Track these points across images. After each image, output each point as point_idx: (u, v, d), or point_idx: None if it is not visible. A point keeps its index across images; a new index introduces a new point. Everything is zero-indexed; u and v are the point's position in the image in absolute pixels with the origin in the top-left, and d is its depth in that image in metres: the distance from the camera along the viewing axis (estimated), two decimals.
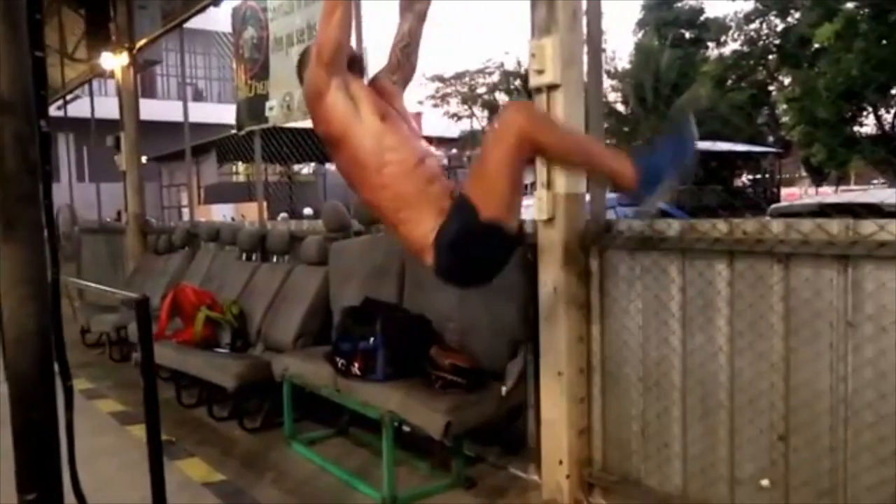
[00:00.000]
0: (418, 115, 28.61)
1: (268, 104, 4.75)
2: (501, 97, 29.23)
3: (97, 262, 8.66)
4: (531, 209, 2.81)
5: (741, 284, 2.33)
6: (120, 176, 7.29)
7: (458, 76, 33.12)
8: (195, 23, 6.67)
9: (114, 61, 7.04)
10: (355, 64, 2.32)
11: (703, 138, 24.06)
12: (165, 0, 6.75)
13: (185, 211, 26.63)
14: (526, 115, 2.02)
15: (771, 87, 22.26)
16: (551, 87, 2.71)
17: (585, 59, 2.77)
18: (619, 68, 29.73)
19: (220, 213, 21.63)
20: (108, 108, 9.12)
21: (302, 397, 3.71)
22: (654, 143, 2.15)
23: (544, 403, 2.90)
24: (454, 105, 34.75)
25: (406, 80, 2.50)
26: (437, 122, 31.06)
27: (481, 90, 31.53)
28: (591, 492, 2.85)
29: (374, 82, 2.40)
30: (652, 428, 2.66)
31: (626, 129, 27.49)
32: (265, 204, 5.78)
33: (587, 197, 2.82)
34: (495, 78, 30.35)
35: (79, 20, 8.57)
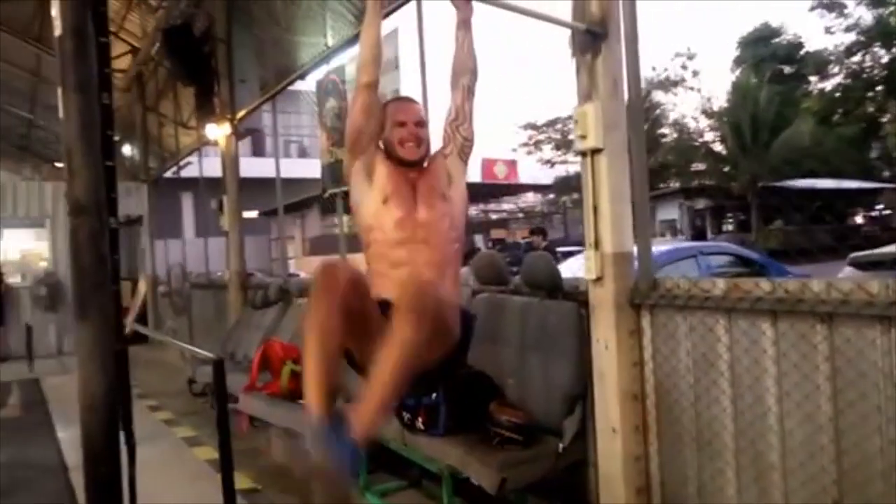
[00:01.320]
0: (513, 162, 29.01)
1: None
2: None
3: (205, 316, 9.28)
4: (580, 269, 2.90)
5: (785, 344, 2.32)
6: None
7: (551, 123, 33.39)
8: (298, 85, 7.19)
9: (218, 131, 7.70)
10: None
11: (803, 176, 23.04)
12: (262, 73, 7.39)
13: (292, 262, 27.96)
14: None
15: (883, 120, 21.06)
16: (595, 152, 2.82)
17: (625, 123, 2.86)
18: (717, 108, 29.05)
19: None
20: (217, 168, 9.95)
21: (378, 449, 3.87)
22: None
23: (601, 460, 2.93)
24: (547, 151, 34.96)
25: (462, 153, 2.59)
26: (532, 169, 31.30)
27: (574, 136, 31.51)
28: None
29: (431, 159, 2.56)
30: (708, 489, 2.63)
31: (724, 168, 26.67)
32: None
33: (635, 255, 2.88)
34: None
35: (190, 94, 9.45)
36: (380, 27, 2.46)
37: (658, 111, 30.96)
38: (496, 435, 3.03)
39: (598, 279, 2.85)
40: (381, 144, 2.49)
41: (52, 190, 11.93)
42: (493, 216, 31.23)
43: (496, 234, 32.07)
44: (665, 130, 31.58)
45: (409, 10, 4.29)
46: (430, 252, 2.38)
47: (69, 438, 5.39)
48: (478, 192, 23.99)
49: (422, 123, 2.53)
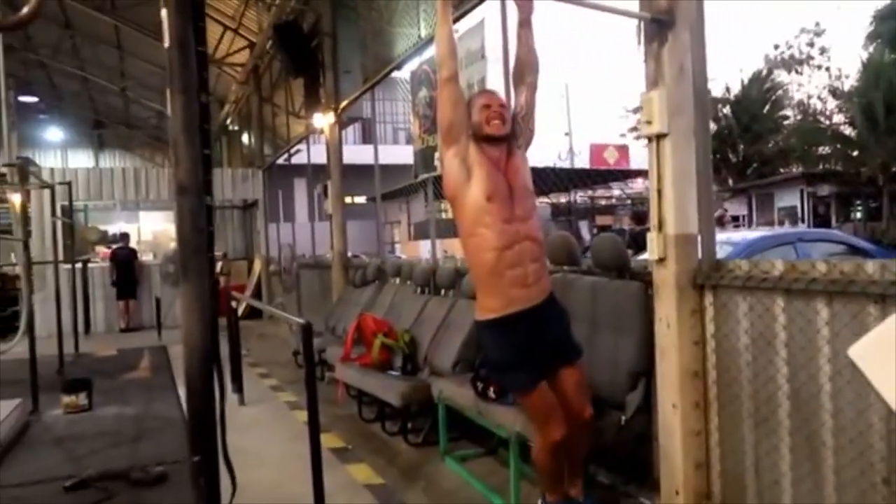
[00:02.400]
0: (624, 147, 28.33)
1: (436, 155, 5.35)
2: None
3: (312, 293, 9.91)
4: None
5: (839, 324, 2.35)
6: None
7: None
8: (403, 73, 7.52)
9: (323, 120, 8.19)
10: (490, 139, 2.72)
11: None
12: (364, 64, 7.78)
13: (398, 247, 28.68)
14: None
15: None
16: (660, 137, 2.91)
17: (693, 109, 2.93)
18: (847, 87, 27.11)
19: (427, 248, 23.18)
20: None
21: (460, 418, 4.13)
22: None
23: (661, 435, 3.04)
24: None
25: (528, 144, 2.87)
26: (643, 153, 30.43)
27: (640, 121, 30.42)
28: None
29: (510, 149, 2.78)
30: (763, 464, 2.70)
31: (852, 153, 24.91)
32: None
33: (699, 237, 2.95)
34: None
35: (300, 85, 10.05)
36: (451, 25, 2.68)
37: (780, 91, 29.25)
38: None
39: (662, 260, 2.94)
40: (470, 133, 2.72)
41: None
42: (603, 202, 30.70)
43: (602, 220, 31.55)
44: (787, 112, 29.82)
45: (494, 2, 4.47)
46: (531, 247, 2.71)
47: None
48: (583, 178, 23.75)
49: (504, 105, 2.78)
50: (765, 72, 27.81)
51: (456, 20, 4.89)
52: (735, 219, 25.07)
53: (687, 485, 2.93)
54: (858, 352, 1.16)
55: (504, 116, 2.74)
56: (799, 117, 28.94)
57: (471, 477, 3.82)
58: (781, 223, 25.21)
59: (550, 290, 2.84)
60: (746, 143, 26.44)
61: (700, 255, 2.94)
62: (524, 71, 2.75)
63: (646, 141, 3.03)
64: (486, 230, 2.53)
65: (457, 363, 4.48)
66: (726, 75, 30.82)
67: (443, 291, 5.35)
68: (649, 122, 2.93)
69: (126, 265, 11.92)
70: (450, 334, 4.75)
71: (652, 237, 2.96)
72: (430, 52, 5.72)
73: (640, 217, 9.86)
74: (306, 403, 2.90)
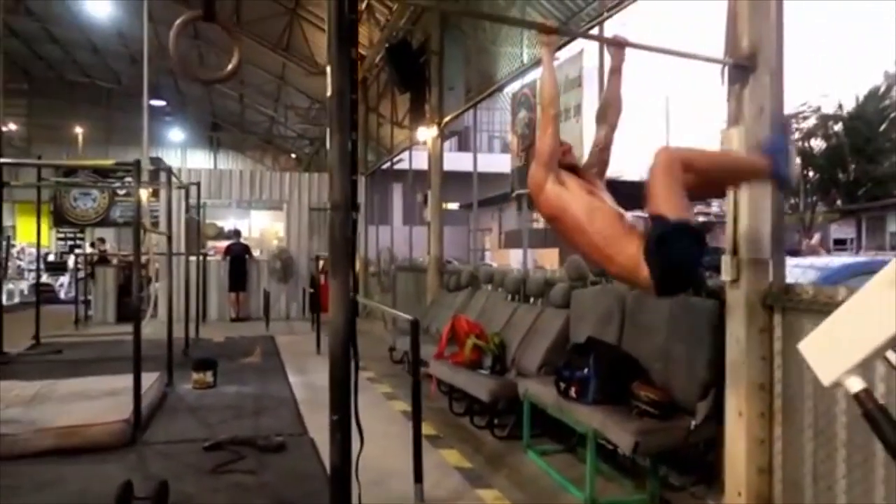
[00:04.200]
0: None
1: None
2: (818, 143, 26.58)
3: (407, 294, 10.52)
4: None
5: None
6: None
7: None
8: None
9: (426, 133, 8.76)
10: (572, 168, 3.13)
11: None
12: (467, 81, 8.29)
13: (488, 254, 28.93)
14: (666, 149, 2.74)
15: None
16: None
17: None
18: None
19: (517, 257, 23.48)
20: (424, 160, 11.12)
21: (544, 417, 4.52)
22: (766, 139, 3.05)
23: (728, 441, 3.34)
24: None
25: (601, 173, 3.18)
26: None
27: (795, 136, 29.34)
28: None
29: (579, 175, 3.18)
30: (819, 471, 2.97)
31: None
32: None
33: (770, 262, 3.24)
34: (811, 122, 27.83)
35: (405, 97, 10.69)
36: (554, 72, 3.08)
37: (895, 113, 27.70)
38: (635, 407, 3.56)
39: (735, 281, 3.25)
40: None
41: (289, 179, 13.86)
42: (700, 217, 30.09)
43: None
44: None
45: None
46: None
47: (297, 382, 6.72)
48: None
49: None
50: (883, 88, 26.33)
51: (558, 49, 5.29)
52: (841, 242, 24.01)
53: (749, 488, 3.22)
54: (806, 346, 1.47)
55: (574, 154, 3.18)
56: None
57: (550, 468, 4.21)
58: (894, 248, 23.93)
59: None
60: (859, 163, 25.19)
61: (771, 279, 3.23)
62: (609, 112, 3.12)
63: None
64: (600, 211, 2.89)
65: (542, 366, 4.87)
66: (842, 93, 29.36)
67: (532, 300, 5.76)
68: None
69: (239, 260, 12.93)
70: (537, 339, 5.15)
71: (726, 260, 3.27)
72: (532, 76, 6.14)
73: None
74: (411, 386, 3.38)
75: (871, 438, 2.69)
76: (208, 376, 6.25)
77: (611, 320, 4.39)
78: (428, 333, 7.37)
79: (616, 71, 3.06)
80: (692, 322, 3.66)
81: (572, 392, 3.89)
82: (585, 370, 3.85)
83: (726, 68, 3.30)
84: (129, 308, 6.29)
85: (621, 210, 3.02)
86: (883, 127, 25.94)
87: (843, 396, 2.84)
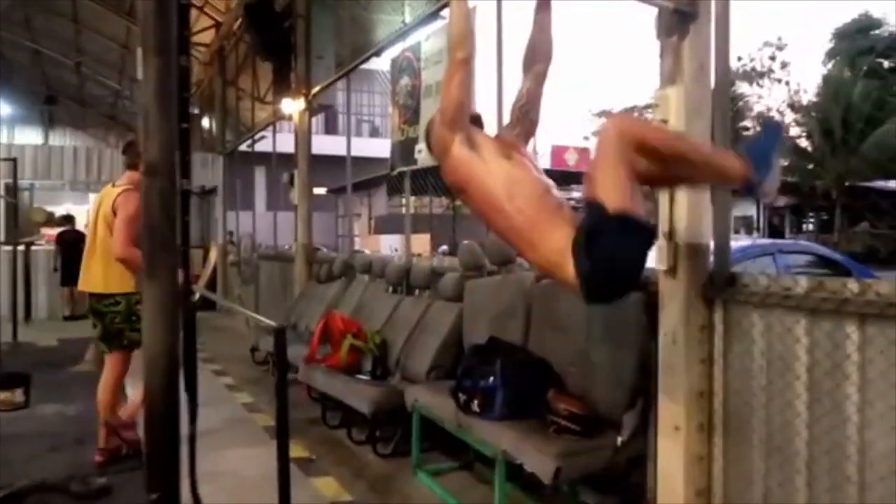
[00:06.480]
0: (585, 150, 28.45)
1: (417, 147, 5.07)
2: None
3: (271, 286, 9.51)
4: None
5: (872, 350, 2.16)
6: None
7: (627, 111, 32.56)
8: (372, 64, 7.22)
9: (292, 106, 7.81)
10: (477, 121, 2.50)
11: None
12: (338, 50, 7.44)
13: (357, 240, 28.20)
14: (620, 118, 2.11)
15: None
16: None
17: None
18: (805, 102, 27.71)
19: (388, 243, 22.83)
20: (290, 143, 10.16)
21: (433, 428, 3.86)
22: (750, 137, 2.28)
23: (661, 458, 2.83)
24: None
25: (527, 135, 2.64)
26: None
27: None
28: None
29: (497, 136, 2.56)
30: (775, 495, 2.50)
31: (809, 166, 25.49)
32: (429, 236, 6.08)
33: (711, 247, 2.75)
34: None
35: (268, 69, 9.63)
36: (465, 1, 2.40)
37: (741, 103, 29.77)
38: (553, 423, 2.98)
39: (670, 270, 2.73)
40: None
41: None
42: None
43: None
44: (747, 123, 30.36)
45: None
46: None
47: (139, 394, 5.63)
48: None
49: None
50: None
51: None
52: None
53: None
54: None
55: None
56: (758, 129, 29.47)
57: (446, 494, 3.56)
58: (737, 231, 25.64)
59: None
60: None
61: (713, 267, 2.73)
62: (537, 59, 2.51)
63: None
64: (521, 185, 2.27)
65: (432, 369, 4.22)
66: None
67: (417, 291, 5.08)
68: (664, 122, 2.70)
69: (73, 250, 11.27)
70: (425, 338, 4.48)
71: (661, 245, 2.74)
72: (414, 38, 5.43)
73: None
74: (276, 418, 2.58)
75: (846, 459, 2.24)
76: (17, 395, 5.03)
77: (514, 316, 3.79)
78: (296, 331, 6.50)
79: (546, 4, 2.42)
80: (616, 318, 3.11)
81: (475, 405, 3.25)
82: (490, 379, 3.22)
83: (662, 16, 2.75)
84: None
85: (549, 182, 2.41)
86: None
87: (807, 406, 2.38)
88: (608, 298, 2.38)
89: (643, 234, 2.09)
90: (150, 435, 1.50)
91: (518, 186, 2.29)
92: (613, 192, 2.02)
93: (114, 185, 4.09)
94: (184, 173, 1.57)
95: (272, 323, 2.64)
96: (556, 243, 2.19)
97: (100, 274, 3.98)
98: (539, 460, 2.81)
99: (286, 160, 9.03)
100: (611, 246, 2.05)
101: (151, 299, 1.48)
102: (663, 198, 2.76)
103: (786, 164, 27.38)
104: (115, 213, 3.87)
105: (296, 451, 4.22)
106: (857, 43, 25.79)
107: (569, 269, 2.14)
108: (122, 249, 3.77)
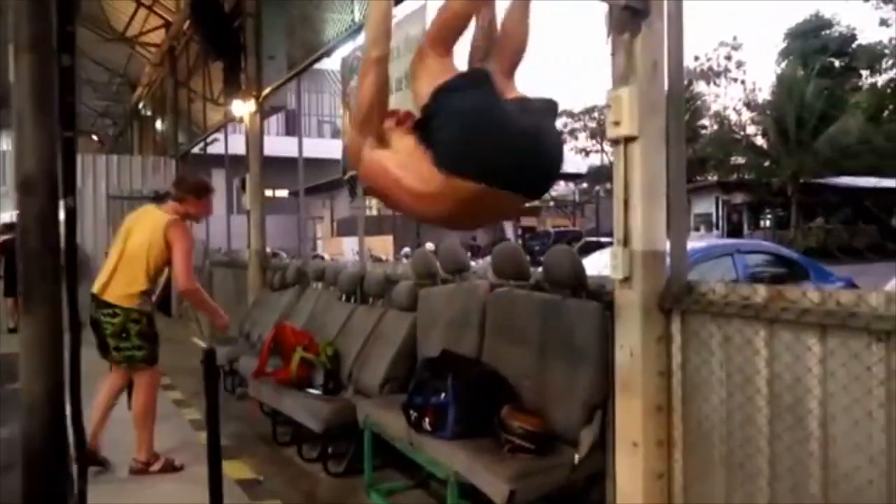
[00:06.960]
0: None
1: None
2: None
3: (226, 294, 9.20)
4: (607, 267, 2.66)
5: (834, 362, 2.06)
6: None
7: (587, 111, 32.79)
8: (329, 65, 7.00)
9: (243, 108, 7.55)
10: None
11: (855, 174, 22.31)
12: (290, 50, 7.21)
13: (320, 243, 27.71)
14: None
15: None
16: (628, 140, 2.57)
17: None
18: (760, 100, 28.23)
19: (350, 245, 22.54)
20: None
21: (386, 444, 3.69)
22: None
23: (619, 476, 2.70)
24: (582, 140, 34.33)
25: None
26: (566, 158, 30.84)
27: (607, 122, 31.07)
28: None
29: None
30: None
31: (765, 163, 25.94)
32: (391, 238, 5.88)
33: (668, 254, 2.63)
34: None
35: (220, 70, 9.33)
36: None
37: (699, 102, 30.20)
38: (507, 442, 2.83)
39: (626, 279, 2.60)
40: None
41: (81, 161, 11.82)
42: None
43: (526, 221, 31.68)
44: (705, 122, 30.81)
45: None
46: None
47: (84, 414, 5.33)
48: None
49: None
50: (685, 82, 28.55)
51: (397, 2, 4.45)
52: None
53: None
54: None
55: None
56: (716, 127, 29.96)
57: None
58: (697, 229, 25.96)
59: None
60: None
61: (669, 276, 2.61)
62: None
63: (604, 144, 2.68)
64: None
65: (385, 382, 4.04)
66: None
67: (371, 300, 4.89)
68: (617, 123, 2.58)
69: (16, 259, 10.81)
70: (378, 349, 4.30)
71: (616, 253, 2.61)
72: (364, 37, 5.23)
73: None
74: (207, 452, 2.38)
75: (810, 478, 2.13)
76: None
77: (468, 325, 3.64)
78: (249, 341, 6.27)
79: None
80: (570, 330, 2.98)
81: (426, 423, 3.08)
82: (442, 395, 3.05)
83: (613, 12, 2.62)
84: None
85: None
86: (685, 118, 28.09)
87: (769, 421, 2.27)
88: (478, 162, 1.92)
89: (475, 78, 1.99)
90: (27, 491, 1.30)
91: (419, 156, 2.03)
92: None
93: (157, 206, 4.23)
94: (68, 188, 1.36)
95: (202, 344, 2.44)
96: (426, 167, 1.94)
97: (114, 284, 3.98)
98: (492, 483, 2.65)
99: (241, 162, 8.78)
100: (444, 118, 1.91)
101: (28, 336, 1.29)
102: (618, 203, 2.64)
103: (743, 161, 27.90)
104: (166, 241, 3.96)
105: (241, 471, 4.03)
106: (809, 42, 26.37)
107: (437, 178, 1.90)
108: (188, 282, 3.98)
